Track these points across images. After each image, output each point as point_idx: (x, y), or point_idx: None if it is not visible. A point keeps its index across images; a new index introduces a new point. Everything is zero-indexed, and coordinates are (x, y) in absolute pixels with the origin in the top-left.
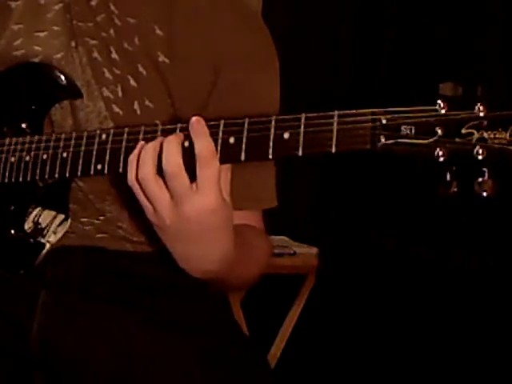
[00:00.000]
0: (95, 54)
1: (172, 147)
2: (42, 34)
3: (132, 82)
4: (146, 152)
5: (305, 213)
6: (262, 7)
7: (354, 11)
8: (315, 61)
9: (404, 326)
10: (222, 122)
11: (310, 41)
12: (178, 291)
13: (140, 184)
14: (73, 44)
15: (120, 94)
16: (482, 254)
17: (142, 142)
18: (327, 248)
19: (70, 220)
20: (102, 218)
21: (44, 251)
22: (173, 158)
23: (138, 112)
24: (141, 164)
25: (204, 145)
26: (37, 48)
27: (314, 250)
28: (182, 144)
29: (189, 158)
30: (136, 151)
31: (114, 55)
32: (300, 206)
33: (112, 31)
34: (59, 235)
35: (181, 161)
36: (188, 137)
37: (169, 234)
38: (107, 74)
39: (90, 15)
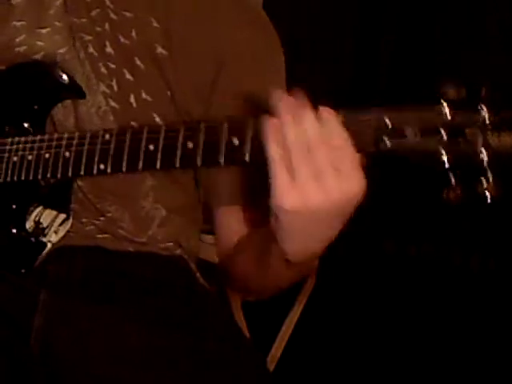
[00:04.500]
0: (91, 50)
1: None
2: (44, 31)
3: (128, 76)
4: (287, 123)
5: None
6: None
7: (354, 12)
8: (316, 58)
9: (404, 326)
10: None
11: (310, 39)
12: (178, 292)
13: (287, 153)
14: (72, 40)
15: (115, 88)
16: (482, 254)
17: (272, 119)
18: (327, 248)
19: (71, 219)
20: (102, 218)
21: (45, 251)
22: (341, 131)
23: (135, 105)
24: (287, 131)
25: (337, 132)
26: (39, 43)
27: None
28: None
29: None
30: (271, 123)
31: (109, 49)
32: None
33: (107, 26)
34: (60, 235)
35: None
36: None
37: (300, 218)
38: (103, 69)
39: (84, 10)
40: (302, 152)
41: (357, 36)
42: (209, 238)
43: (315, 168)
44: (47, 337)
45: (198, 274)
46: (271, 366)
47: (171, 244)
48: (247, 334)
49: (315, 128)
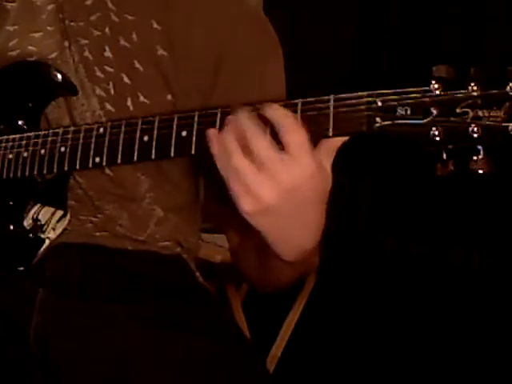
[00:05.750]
0: (86, 53)
1: (257, 128)
2: (36, 35)
3: (125, 79)
4: (228, 138)
5: None
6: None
7: (354, 9)
8: (315, 46)
9: (404, 326)
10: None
11: (310, 26)
12: (177, 291)
13: (234, 170)
14: (66, 44)
15: (112, 91)
16: (482, 253)
17: (213, 131)
18: (327, 247)
19: (68, 216)
20: (100, 215)
21: (43, 247)
22: (261, 136)
23: (131, 108)
24: (230, 151)
25: (281, 116)
26: (31, 48)
27: None
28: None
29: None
30: (215, 140)
31: (108, 53)
32: None
33: (107, 29)
34: (58, 231)
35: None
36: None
37: (266, 217)
38: (98, 73)
39: (83, 14)
40: (239, 145)
41: (357, 32)
42: (208, 237)
43: (258, 159)
44: (45, 336)
45: (197, 273)
46: (272, 366)
47: (169, 243)
48: (247, 334)
49: (249, 118)
